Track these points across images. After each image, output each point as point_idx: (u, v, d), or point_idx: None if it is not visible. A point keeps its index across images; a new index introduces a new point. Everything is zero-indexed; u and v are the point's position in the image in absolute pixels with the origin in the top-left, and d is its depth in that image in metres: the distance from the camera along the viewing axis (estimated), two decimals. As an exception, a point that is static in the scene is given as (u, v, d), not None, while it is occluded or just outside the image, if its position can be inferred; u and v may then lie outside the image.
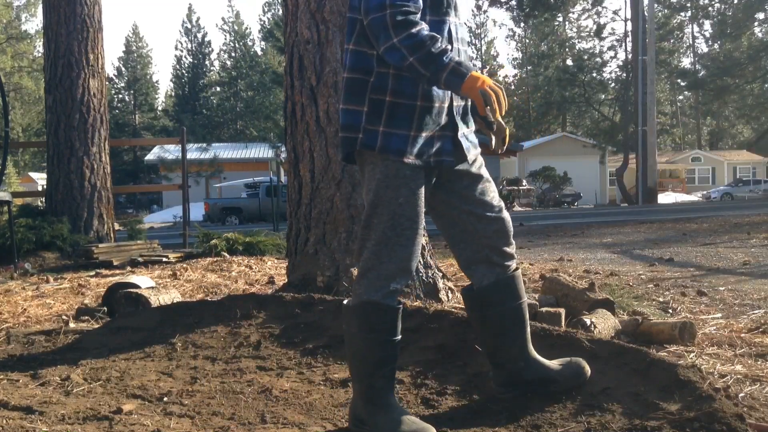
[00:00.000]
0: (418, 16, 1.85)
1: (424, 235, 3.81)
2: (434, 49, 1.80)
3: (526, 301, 2.15)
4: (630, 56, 32.90)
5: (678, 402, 1.93)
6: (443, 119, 1.96)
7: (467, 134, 2.04)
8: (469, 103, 2.04)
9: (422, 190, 1.96)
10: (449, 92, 1.94)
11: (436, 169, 1.99)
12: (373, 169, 1.94)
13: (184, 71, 54.50)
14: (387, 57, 1.85)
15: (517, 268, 2.13)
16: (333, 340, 2.80)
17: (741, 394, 2.17)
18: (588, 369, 2.11)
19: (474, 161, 2.05)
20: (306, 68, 3.68)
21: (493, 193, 2.08)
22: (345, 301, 2.04)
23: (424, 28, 1.82)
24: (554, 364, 2.12)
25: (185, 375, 2.55)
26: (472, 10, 52.12)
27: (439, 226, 2.15)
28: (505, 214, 2.09)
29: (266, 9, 53.97)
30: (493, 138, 1.92)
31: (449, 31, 1.97)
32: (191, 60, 54.55)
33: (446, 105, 1.96)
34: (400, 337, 2.01)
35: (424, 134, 1.93)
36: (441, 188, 2.04)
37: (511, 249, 2.11)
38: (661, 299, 4.08)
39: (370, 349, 1.96)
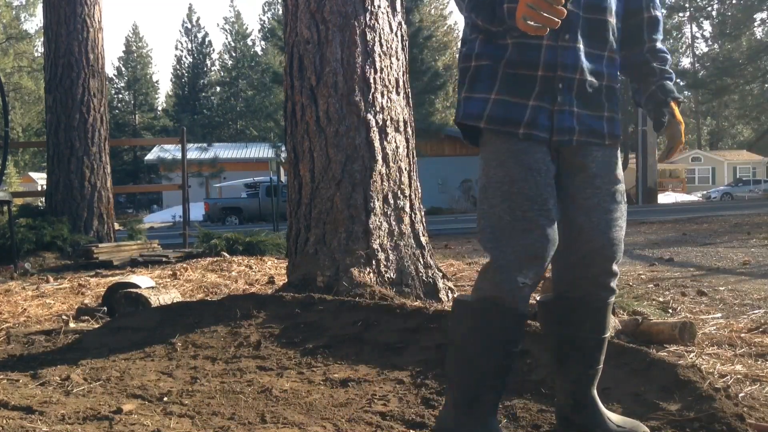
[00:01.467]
0: None
1: (424, 235, 3.84)
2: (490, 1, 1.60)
3: (605, 338, 1.83)
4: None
5: (678, 402, 1.93)
6: (538, 87, 1.67)
7: (581, 114, 1.70)
8: (606, 85, 1.74)
9: (542, 166, 1.66)
10: (551, 60, 1.66)
11: (554, 149, 1.71)
12: (483, 148, 1.73)
13: (184, 71, 54.48)
14: (470, 23, 1.75)
15: (605, 300, 1.79)
16: (333, 340, 2.80)
17: (741, 394, 2.17)
18: None
19: (594, 157, 1.73)
20: (306, 68, 3.68)
21: (610, 206, 1.73)
22: (456, 295, 1.83)
23: None
24: (612, 420, 1.82)
25: (185, 375, 2.55)
26: (472, 10, 52.05)
27: None
28: (615, 236, 1.73)
29: (266, 9, 54.01)
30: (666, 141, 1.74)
31: None
32: (191, 60, 54.52)
33: (541, 74, 1.66)
34: (518, 349, 1.73)
35: (508, 99, 1.67)
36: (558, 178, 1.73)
37: (608, 280, 1.76)
38: (661, 299, 4.08)
39: (485, 355, 1.67)
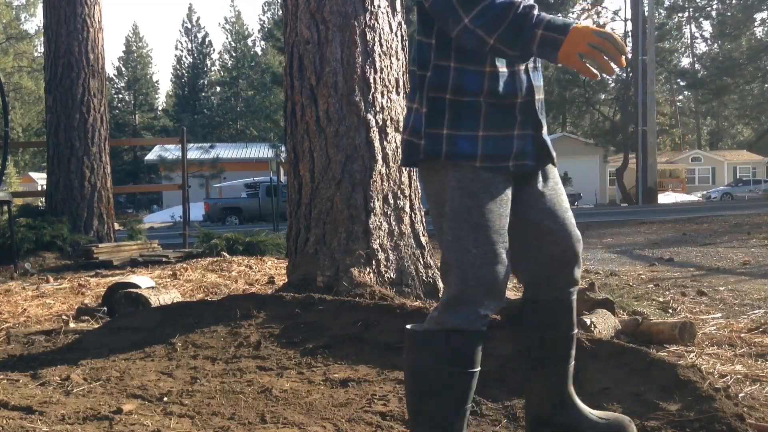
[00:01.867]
0: None
1: (424, 235, 3.83)
2: (518, 18, 1.47)
3: (575, 333, 1.84)
4: (630, 56, 32.90)
5: (678, 402, 1.93)
6: (520, 116, 1.65)
7: (545, 134, 1.73)
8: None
9: (506, 197, 1.64)
10: (528, 85, 1.65)
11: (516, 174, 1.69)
12: (444, 177, 1.63)
13: (184, 71, 54.49)
14: (461, 42, 1.56)
15: (574, 295, 1.82)
16: (333, 340, 2.80)
17: (741, 394, 2.17)
18: (632, 430, 1.79)
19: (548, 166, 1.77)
20: (306, 68, 3.68)
21: (566, 205, 1.78)
22: (409, 327, 1.69)
23: (491, 1, 1.49)
24: (594, 415, 1.81)
25: (185, 375, 2.55)
26: (472, 10, 52.08)
27: None
28: (577, 233, 1.77)
29: (266, 9, 54.05)
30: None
31: None
32: (191, 60, 54.54)
33: (520, 101, 1.64)
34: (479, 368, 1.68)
35: (497, 134, 1.63)
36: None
37: (578, 274, 1.80)
38: (661, 299, 4.08)
39: (450, 383, 1.63)
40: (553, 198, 1.75)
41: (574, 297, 1.82)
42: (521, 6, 1.48)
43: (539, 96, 1.70)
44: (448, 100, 1.62)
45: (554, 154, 1.74)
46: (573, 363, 1.84)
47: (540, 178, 1.74)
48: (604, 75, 1.46)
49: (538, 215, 1.73)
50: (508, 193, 1.66)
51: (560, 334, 1.80)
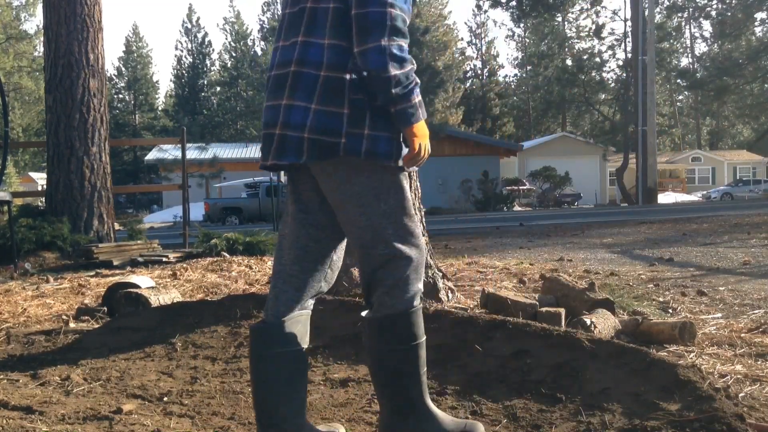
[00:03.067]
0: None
1: (424, 235, 3.83)
2: (412, 76, 1.72)
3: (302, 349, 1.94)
4: (630, 56, 32.93)
5: (678, 402, 1.93)
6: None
7: None
8: None
9: None
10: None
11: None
12: (361, 175, 1.78)
13: (184, 71, 54.47)
14: (366, 57, 1.68)
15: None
16: (333, 340, 2.80)
17: (741, 394, 2.17)
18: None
19: None
20: (306, 68, 3.68)
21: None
22: (365, 314, 1.89)
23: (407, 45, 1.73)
24: (447, 420, 1.90)
25: (185, 375, 2.55)
26: (473, 10, 52.17)
27: (300, 237, 1.89)
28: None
29: (266, 9, 54.00)
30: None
31: None
32: (191, 60, 54.51)
33: None
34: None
35: (399, 137, 1.81)
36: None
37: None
38: (661, 299, 4.08)
39: (407, 359, 1.84)
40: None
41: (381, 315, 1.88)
42: (415, 76, 1.74)
43: None
44: (368, 102, 1.76)
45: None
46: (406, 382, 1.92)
47: None
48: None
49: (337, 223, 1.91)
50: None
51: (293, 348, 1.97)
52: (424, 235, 3.80)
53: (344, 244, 1.95)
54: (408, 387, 1.85)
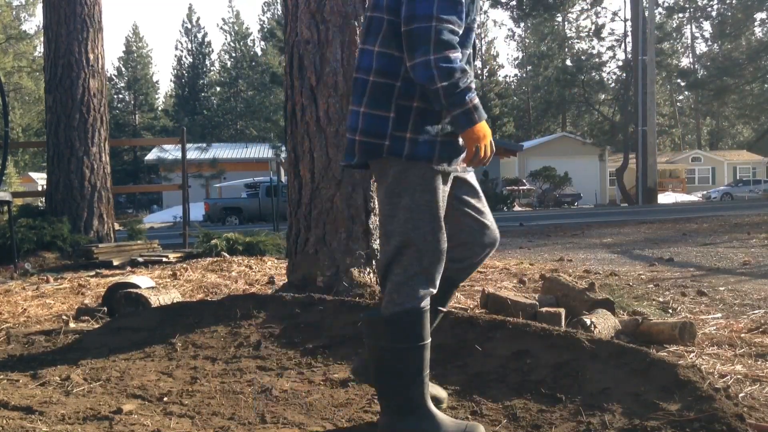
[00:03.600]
0: (460, 34, 1.82)
1: None
2: (462, 83, 1.77)
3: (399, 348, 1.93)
4: (630, 56, 32.93)
5: (678, 402, 1.93)
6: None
7: None
8: None
9: (446, 194, 1.94)
10: None
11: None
12: (402, 175, 1.88)
13: (184, 71, 54.46)
14: (415, 71, 1.78)
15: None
16: (333, 340, 2.80)
17: (741, 394, 2.17)
18: None
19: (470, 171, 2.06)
20: (306, 68, 3.68)
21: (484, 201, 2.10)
22: (363, 315, 1.97)
23: (460, 55, 1.79)
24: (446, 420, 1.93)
25: (185, 375, 2.55)
26: (472, 10, 52.09)
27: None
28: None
29: (266, 9, 54.01)
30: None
31: (473, 40, 1.94)
32: (191, 60, 54.50)
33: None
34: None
35: (447, 139, 1.90)
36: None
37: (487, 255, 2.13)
38: (661, 299, 4.08)
39: (409, 359, 1.88)
40: (482, 200, 2.10)
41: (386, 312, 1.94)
42: (469, 76, 1.79)
43: None
44: (415, 107, 1.87)
45: None
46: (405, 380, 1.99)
47: (472, 183, 2.06)
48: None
49: (471, 208, 2.07)
50: (446, 190, 1.94)
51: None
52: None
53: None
54: (408, 387, 1.88)
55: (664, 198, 31.33)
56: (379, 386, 1.94)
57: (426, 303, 1.88)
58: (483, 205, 2.09)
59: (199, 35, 54.66)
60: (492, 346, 2.48)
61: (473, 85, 1.81)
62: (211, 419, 2.09)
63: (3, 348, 3.11)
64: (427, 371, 1.91)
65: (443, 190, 1.92)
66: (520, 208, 26.11)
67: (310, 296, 3.15)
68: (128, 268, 6.26)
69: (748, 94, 41.02)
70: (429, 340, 1.91)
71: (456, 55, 1.77)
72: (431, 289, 1.89)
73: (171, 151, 26.56)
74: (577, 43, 44.92)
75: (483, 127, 1.82)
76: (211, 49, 55.48)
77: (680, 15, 41.17)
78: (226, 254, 6.69)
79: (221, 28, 57.46)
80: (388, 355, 1.89)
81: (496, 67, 50.85)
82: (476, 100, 1.80)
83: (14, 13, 40.07)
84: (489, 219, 2.09)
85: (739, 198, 31.32)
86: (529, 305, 3.17)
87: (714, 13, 38.88)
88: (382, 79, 1.88)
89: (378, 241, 3.58)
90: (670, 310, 3.75)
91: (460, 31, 1.81)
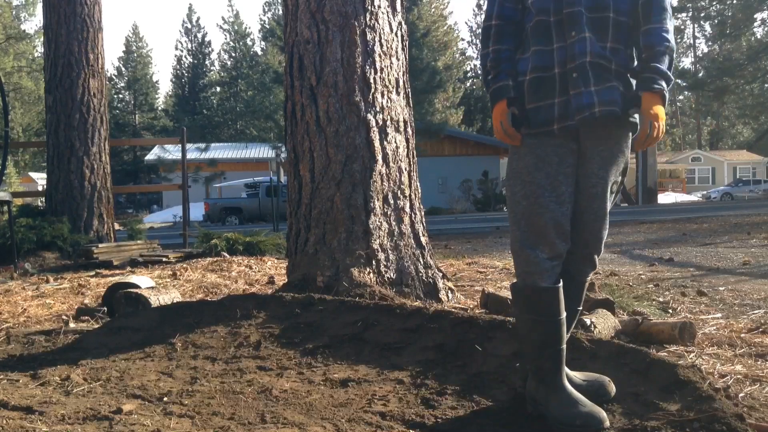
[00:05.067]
0: (492, 28, 2.04)
1: (424, 235, 3.83)
2: (483, 81, 2.08)
3: (579, 309, 2.12)
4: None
5: (678, 402, 1.93)
6: (557, 86, 1.95)
7: (599, 90, 1.92)
8: (615, 69, 1.94)
9: (555, 157, 1.94)
10: (561, 58, 1.94)
11: (574, 138, 1.96)
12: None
13: (184, 71, 54.45)
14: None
15: (587, 276, 2.10)
16: (333, 340, 2.80)
17: (741, 394, 2.17)
18: (612, 389, 2.04)
19: (601, 150, 1.97)
20: (306, 68, 3.68)
21: (605, 193, 1.99)
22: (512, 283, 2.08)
23: (492, 48, 2.03)
24: (578, 377, 2.08)
25: (185, 375, 2.55)
26: (473, 10, 52.29)
27: None
28: (606, 221, 2.02)
29: (266, 9, 53.98)
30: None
31: (557, 0, 1.95)
32: (191, 60, 54.50)
33: (557, 71, 1.95)
34: (562, 317, 1.97)
35: (539, 104, 1.95)
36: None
37: (597, 258, 2.07)
38: (661, 299, 4.08)
39: (532, 330, 1.98)
40: (599, 185, 1.99)
41: (587, 279, 2.09)
42: (498, 64, 2.03)
43: (572, 64, 1.93)
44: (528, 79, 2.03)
45: (581, 113, 1.92)
46: (569, 335, 2.12)
47: (595, 164, 1.98)
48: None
49: (579, 196, 1.99)
50: (557, 153, 1.94)
51: (570, 305, 2.04)
52: (424, 235, 3.81)
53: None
54: (536, 357, 2.00)
55: (664, 198, 31.34)
56: (520, 348, 2.14)
57: (543, 279, 1.94)
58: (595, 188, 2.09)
59: (199, 35, 54.68)
60: (492, 346, 2.48)
61: (499, 72, 2.05)
62: (211, 419, 2.09)
63: (3, 348, 3.11)
64: (555, 349, 1.96)
65: (546, 154, 1.99)
66: (520, 208, 26.04)
67: (310, 296, 3.14)
68: (128, 268, 6.25)
69: (748, 94, 41.00)
70: (554, 318, 1.95)
71: (486, 50, 2.09)
72: (539, 255, 1.94)
73: (171, 151, 26.55)
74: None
75: (498, 108, 2.04)
76: (211, 49, 55.50)
77: (681, 15, 41.15)
78: (226, 254, 6.69)
79: (221, 27, 57.40)
80: (516, 321, 2.08)
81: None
82: (500, 83, 2.04)
83: (14, 13, 40.06)
84: (590, 206, 2.03)
85: (739, 198, 31.32)
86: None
87: (714, 13, 38.86)
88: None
89: (378, 241, 3.58)
90: (670, 310, 3.75)
91: (499, 21, 2.06)
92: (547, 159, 1.94)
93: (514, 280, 2.03)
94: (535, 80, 1.96)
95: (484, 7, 2.20)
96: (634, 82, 1.95)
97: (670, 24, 1.94)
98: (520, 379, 2.16)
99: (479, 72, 51.29)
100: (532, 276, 1.94)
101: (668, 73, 1.89)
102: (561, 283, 1.96)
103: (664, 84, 1.88)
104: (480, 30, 2.08)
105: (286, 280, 3.92)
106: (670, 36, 1.93)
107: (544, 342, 1.97)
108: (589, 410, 1.89)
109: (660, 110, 1.88)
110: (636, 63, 1.98)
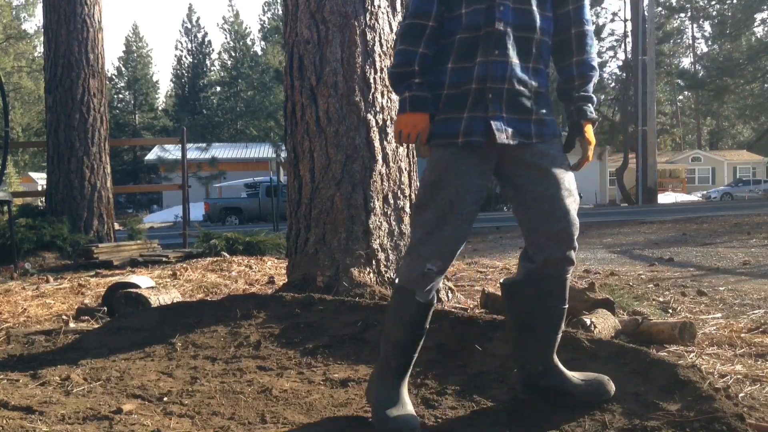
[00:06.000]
0: (427, 29, 1.96)
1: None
2: (397, 77, 1.98)
3: (565, 308, 2.08)
4: (630, 56, 32.92)
5: (678, 402, 1.93)
6: (470, 101, 1.93)
7: (512, 119, 1.94)
8: (535, 91, 1.98)
9: (469, 173, 1.94)
10: (481, 74, 1.92)
11: (495, 152, 1.96)
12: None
13: (184, 71, 54.46)
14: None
15: (568, 274, 2.06)
16: (333, 340, 2.80)
17: (741, 394, 2.17)
18: (611, 388, 2.03)
19: (543, 155, 1.97)
20: (306, 68, 3.68)
21: (564, 191, 1.98)
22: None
23: (422, 52, 1.96)
24: (576, 377, 2.08)
25: (185, 375, 2.55)
26: (473, 10, 52.17)
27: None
28: (574, 217, 1.99)
29: (266, 9, 54.02)
30: None
31: (488, 15, 1.91)
32: (191, 60, 54.51)
33: (473, 86, 1.93)
34: (424, 331, 2.05)
35: (449, 116, 1.95)
36: (506, 175, 2.02)
37: (573, 254, 2.02)
38: (661, 299, 4.08)
39: (396, 330, 2.04)
40: (554, 186, 1.97)
41: (569, 275, 2.06)
42: (410, 70, 1.96)
43: (494, 84, 1.93)
44: (444, 95, 2.02)
45: (500, 135, 1.93)
46: (561, 334, 2.10)
47: (542, 167, 1.98)
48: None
49: (540, 201, 1.97)
50: (473, 172, 1.95)
51: (553, 304, 2.04)
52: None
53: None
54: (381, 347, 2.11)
55: (664, 198, 31.34)
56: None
57: (403, 283, 2.04)
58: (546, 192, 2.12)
59: (199, 35, 54.68)
60: (492, 346, 2.48)
61: (413, 81, 1.97)
62: (211, 419, 2.09)
63: (3, 348, 3.11)
64: (407, 356, 2.06)
65: (462, 172, 2.03)
66: (520, 208, 26.06)
67: (310, 296, 3.14)
68: (128, 268, 6.26)
69: (748, 94, 41.02)
70: (416, 329, 2.04)
71: (399, 48, 2.01)
72: (427, 267, 1.99)
73: (171, 151, 26.55)
74: (578, 43, 44.86)
75: (402, 118, 1.98)
76: (211, 49, 55.52)
77: (680, 15, 41.17)
78: (226, 254, 6.69)
79: (221, 27, 57.44)
80: (386, 314, 2.14)
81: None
82: (413, 93, 1.97)
83: (14, 13, 40.06)
84: (553, 206, 2.03)
85: (739, 198, 31.33)
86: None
87: (714, 13, 38.87)
88: None
89: (378, 240, 3.58)
90: (670, 310, 3.75)
91: (427, 19, 1.98)
92: (458, 174, 1.94)
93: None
94: (452, 95, 1.95)
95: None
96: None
97: (596, 51, 2.08)
98: (519, 385, 2.16)
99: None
100: (415, 284, 1.98)
101: (594, 97, 2.07)
102: (434, 301, 2.03)
103: (593, 108, 2.06)
104: (409, 23, 1.99)
105: (286, 280, 3.92)
106: (596, 63, 2.08)
107: (403, 345, 2.04)
108: (406, 415, 1.95)
109: (592, 135, 2.05)
110: (548, 80, 2.04)
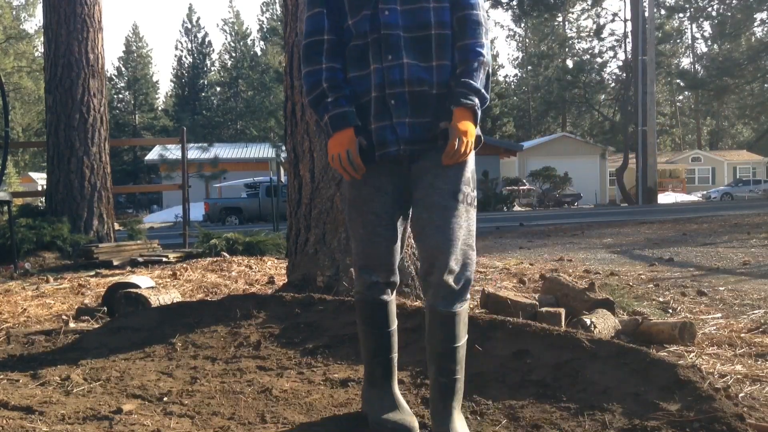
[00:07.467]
0: (324, 43, 1.90)
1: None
2: (313, 103, 1.93)
3: (458, 346, 1.86)
4: (630, 56, 32.93)
5: (678, 402, 1.93)
6: (372, 111, 1.87)
7: (416, 123, 1.85)
8: (437, 93, 1.86)
9: (387, 185, 1.92)
10: (378, 81, 1.85)
11: (405, 162, 1.89)
12: None
13: (184, 71, 54.49)
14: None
15: (449, 307, 1.82)
16: (333, 340, 2.80)
17: (741, 394, 2.17)
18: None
19: (434, 161, 1.84)
20: (306, 68, 3.68)
21: (446, 202, 1.82)
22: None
23: (327, 66, 1.89)
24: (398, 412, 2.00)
25: (185, 375, 2.55)
26: (473, 10, 52.23)
27: None
28: (453, 232, 1.80)
29: (266, 9, 54.01)
30: None
31: (373, 21, 1.85)
32: (191, 60, 54.54)
33: (374, 95, 1.86)
34: (392, 329, 2.06)
35: (368, 127, 1.87)
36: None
37: (449, 283, 1.79)
38: (661, 299, 4.08)
39: (366, 339, 2.08)
40: (436, 194, 1.83)
41: (453, 311, 1.82)
42: (327, 90, 1.89)
43: (392, 90, 1.85)
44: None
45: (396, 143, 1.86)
46: (456, 378, 1.86)
47: (430, 175, 1.86)
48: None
49: (420, 210, 1.86)
50: (390, 182, 1.92)
51: (433, 341, 1.86)
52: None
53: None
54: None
55: (664, 198, 31.35)
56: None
57: (372, 295, 2.04)
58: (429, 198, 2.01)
59: (199, 35, 54.71)
60: (492, 346, 2.48)
61: (328, 99, 1.90)
62: (211, 419, 2.09)
63: (3, 348, 3.11)
64: (385, 357, 2.08)
65: (378, 183, 1.98)
66: (520, 208, 26.11)
67: (310, 296, 3.15)
68: (128, 268, 6.26)
69: (748, 94, 41.03)
70: (382, 329, 2.07)
71: (310, 68, 1.93)
72: (372, 278, 2.02)
73: (172, 150, 26.54)
74: (578, 43, 44.96)
75: (336, 139, 1.91)
76: (211, 49, 55.56)
77: (680, 15, 41.17)
78: (226, 254, 6.69)
79: (221, 28, 57.45)
80: (358, 329, 2.13)
81: (496, 67, 50.86)
82: (336, 111, 1.88)
83: (14, 13, 40.07)
84: (429, 216, 1.92)
85: (739, 198, 31.33)
86: (529, 305, 3.17)
87: (714, 13, 38.87)
88: None
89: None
90: (670, 310, 3.75)
91: (323, 36, 1.92)
92: (381, 188, 1.91)
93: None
94: (358, 105, 1.88)
95: (485, 6, 1.97)
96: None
97: (486, 39, 1.88)
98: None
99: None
100: (366, 294, 2.02)
101: (482, 90, 1.83)
102: (393, 297, 2.04)
103: (476, 100, 1.81)
104: (305, 44, 1.93)
105: (286, 280, 3.92)
106: (485, 51, 1.86)
107: (376, 351, 2.06)
108: (402, 417, 1.96)
109: (469, 126, 1.80)
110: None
